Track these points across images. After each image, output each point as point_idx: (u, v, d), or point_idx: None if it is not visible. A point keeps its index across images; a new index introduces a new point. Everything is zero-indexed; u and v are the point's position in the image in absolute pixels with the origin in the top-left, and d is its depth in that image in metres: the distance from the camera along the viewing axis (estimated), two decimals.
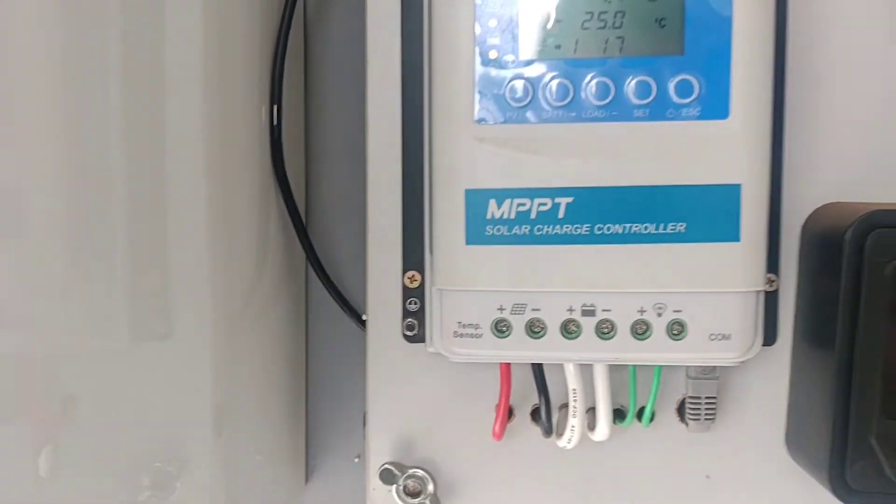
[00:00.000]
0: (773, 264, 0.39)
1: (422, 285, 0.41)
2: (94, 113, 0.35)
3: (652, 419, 0.41)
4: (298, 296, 0.51)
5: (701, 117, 0.34)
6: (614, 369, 0.40)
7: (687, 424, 0.40)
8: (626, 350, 0.36)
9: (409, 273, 0.41)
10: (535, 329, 0.36)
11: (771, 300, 0.40)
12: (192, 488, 0.44)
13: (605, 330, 0.36)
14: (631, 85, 0.34)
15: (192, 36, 0.40)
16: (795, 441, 0.41)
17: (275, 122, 0.42)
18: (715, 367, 0.39)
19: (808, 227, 0.40)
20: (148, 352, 0.41)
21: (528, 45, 0.35)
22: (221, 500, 0.46)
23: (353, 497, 0.52)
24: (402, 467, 0.43)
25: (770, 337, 0.40)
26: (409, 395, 0.43)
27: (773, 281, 0.39)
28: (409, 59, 0.40)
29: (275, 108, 0.41)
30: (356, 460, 0.52)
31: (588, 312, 0.36)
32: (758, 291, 0.36)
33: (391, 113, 0.41)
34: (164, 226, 0.40)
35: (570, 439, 0.39)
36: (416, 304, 0.41)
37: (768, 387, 0.41)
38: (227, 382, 0.46)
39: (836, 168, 0.40)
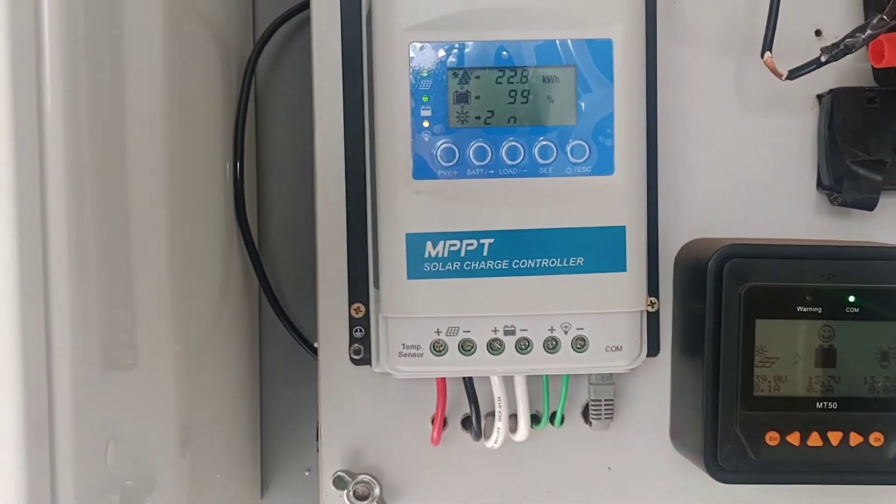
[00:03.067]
0: (653, 289, 0.48)
1: (366, 315, 0.48)
2: (70, 168, 0.38)
3: (562, 422, 0.49)
4: (253, 328, 0.57)
5: (592, 174, 0.43)
6: (531, 380, 0.47)
7: (591, 424, 0.49)
8: (541, 362, 0.44)
9: (355, 305, 0.48)
10: (466, 347, 0.44)
11: (653, 319, 0.48)
12: None
13: (524, 346, 0.44)
14: (537, 148, 0.43)
15: (155, 102, 0.45)
16: (678, 434, 0.49)
17: (237, 176, 0.48)
18: (612, 374, 0.47)
19: (679, 259, 0.49)
20: (117, 380, 0.45)
21: (454, 116, 0.43)
22: None
23: None
24: (352, 474, 0.49)
25: (654, 349, 0.48)
26: (356, 411, 0.49)
27: (654, 303, 0.48)
28: (350, 123, 0.47)
29: (237, 163, 0.48)
30: (306, 474, 0.58)
31: (509, 332, 0.43)
32: (642, 311, 0.45)
33: (336, 168, 0.48)
34: (131, 268, 0.44)
35: (496, 440, 0.47)
36: (360, 331, 0.48)
37: (655, 392, 0.50)
38: (190, 407, 0.50)
39: (701, 210, 0.49)
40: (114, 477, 0.44)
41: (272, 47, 0.57)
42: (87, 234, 0.39)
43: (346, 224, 0.48)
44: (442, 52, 0.42)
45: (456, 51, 0.42)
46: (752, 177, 0.50)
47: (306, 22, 0.48)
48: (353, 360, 0.48)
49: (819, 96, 0.49)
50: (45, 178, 0.34)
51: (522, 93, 0.43)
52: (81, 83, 0.37)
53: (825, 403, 0.44)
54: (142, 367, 0.46)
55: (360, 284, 0.47)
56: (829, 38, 0.48)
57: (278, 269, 0.58)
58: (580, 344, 0.44)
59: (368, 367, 0.48)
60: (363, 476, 0.49)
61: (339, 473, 0.48)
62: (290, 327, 0.55)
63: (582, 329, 0.43)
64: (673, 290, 0.49)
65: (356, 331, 0.48)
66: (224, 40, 0.52)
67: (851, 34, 0.40)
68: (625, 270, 0.43)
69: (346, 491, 0.48)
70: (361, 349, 0.48)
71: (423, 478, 0.50)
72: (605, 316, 0.43)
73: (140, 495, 0.47)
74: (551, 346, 0.44)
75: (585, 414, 0.49)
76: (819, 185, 0.49)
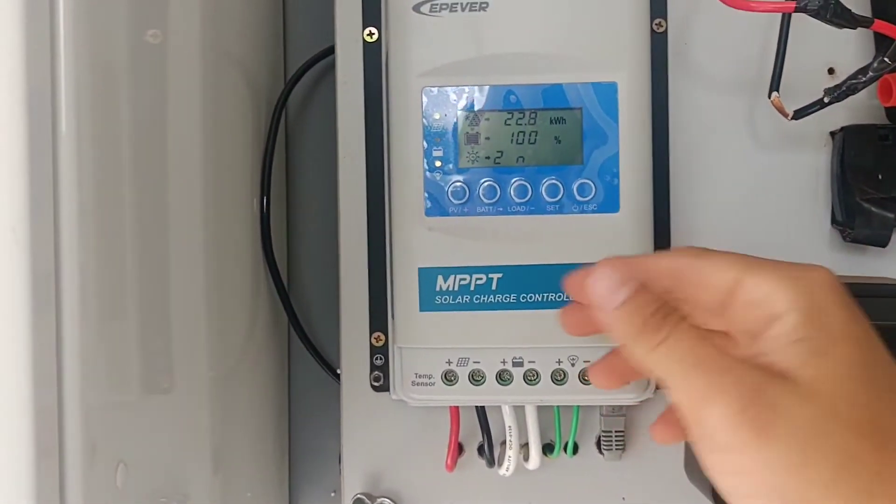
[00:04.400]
0: None
1: (385, 344, 0.50)
2: (112, 208, 0.41)
3: (577, 452, 0.50)
4: (282, 354, 0.60)
5: (597, 211, 0.45)
6: (544, 410, 0.49)
7: (603, 454, 0.50)
8: (548, 393, 0.45)
9: (375, 334, 0.50)
10: (476, 378, 0.45)
11: None
12: None
13: (532, 378, 0.45)
14: (544, 187, 0.45)
15: (193, 139, 0.48)
16: (690, 466, 0.50)
17: (264, 211, 0.51)
18: (622, 406, 0.48)
19: None
20: (155, 403, 0.48)
21: (465, 156, 0.45)
22: None
23: None
24: (371, 497, 0.51)
25: None
26: (377, 436, 0.51)
27: None
28: (371, 162, 0.49)
29: (264, 199, 0.51)
30: (332, 495, 0.60)
31: (518, 364, 0.45)
32: None
33: (359, 205, 0.50)
34: (168, 297, 0.48)
35: (507, 468, 0.48)
36: (381, 359, 0.50)
37: None
38: (222, 428, 0.53)
39: (714, 246, 0.50)
40: (150, 494, 0.47)
41: (304, 88, 0.60)
42: (128, 266, 0.43)
43: (367, 258, 0.50)
44: (453, 96, 0.45)
45: (466, 94, 0.45)
46: (767, 213, 0.50)
47: (335, 64, 0.51)
48: (373, 387, 0.51)
49: (832, 133, 0.50)
50: (69, 207, 0.37)
51: (530, 134, 0.45)
52: (121, 123, 0.40)
53: None
54: (177, 390, 0.50)
55: (380, 315, 0.50)
56: (842, 77, 0.48)
57: (308, 301, 0.60)
58: (587, 377, 0.45)
59: (388, 393, 0.50)
60: (382, 499, 0.51)
61: (358, 496, 0.50)
62: (317, 355, 0.58)
63: (589, 362, 0.45)
64: None
65: (376, 358, 0.50)
66: (255, 82, 0.56)
67: (854, 76, 0.41)
68: None
69: None
70: (381, 376, 0.50)
71: (440, 502, 0.52)
72: (610, 349, 0.45)
73: None
74: (559, 377, 0.45)
75: (599, 444, 0.50)
76: (833, 220, 0.50)
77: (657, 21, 0.49)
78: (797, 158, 0.50)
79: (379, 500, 0.51)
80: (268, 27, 0.59)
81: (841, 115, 0.49)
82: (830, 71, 0.50)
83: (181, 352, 0.49)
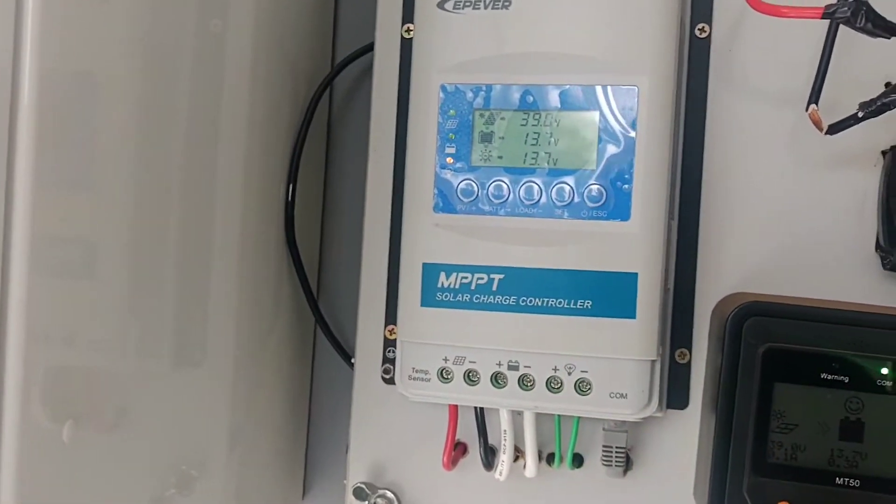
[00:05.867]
0: (686, 341, 0.47)
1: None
2: (157, 185, 0.43)
3: (582, 464, 0.49)
4: (306, 341, 0.61)
5: (607, 218, 0.43)
6: (548, 419, 0.48)
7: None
8: (543, 400, 0.44)
9: (389, 327, 0.51)
10: (471, 377, 0.45)
11: (683, 371, 0.47)
12: (208, 491, 0.53)
13: (527, 383, 0.44)
14: (554, 190, 0.44)
15: (239, 125, 0.50)
16: (697, 490, 0.47)
17: (289, 198, 0.52)
18: (625, 421, 0.46)
19: (714, 312, 0.47)
20: (183, 375, 0.51)
21: (477, 154, 0.45)
22: None
23: None
24: (373, 487, 0.51)
25: (682, 402, 0.47)
26: (384, 429, 0.52)
27: (684, 354, 0.47)
28: (399, 157, 0.50)
29: (290, 186, 0.52)
30: (344, 482, 0.61)
31: (513, 367, 0.44)
32: (653, 361, 0.44)
33: (384, 197, 0.51)
34: (203, 275, 0.50)
35: (500, 472, 0.47)
36: (392, 352, 0.51)
37: (681, 445, 0.48)
38: (244, 406, 0.55)
39: (746, 264, 0.48)
40: (172, 459, 0.49)
41: (349, 81, 0.62)
42: (168, 240, 0.45)
43: (388, 251, 0.51)
44: (470, 94, 0.45)
45: (483, 93, 0.44)
46: (807, 233, 0.47)
47: None
48: (383, 379, 0.51)
49: (883, 152, 0.46)
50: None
51: (544, 135, 0.44)
52: (178, 107, 0.43)
53: (847, 480, 0.41)
54: (206, 365, 0.52)
55: (395, 308, 0.50)
56: None
57: (337, 291, 0.62)
58: (584, 387, 0.44)
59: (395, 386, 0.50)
60: (384, 491, 0.51)
61: (359, 485, 0.51)
62: (336, 344, 0.59)
63: (586, 372, 0.43)
64: (707, 345, 0.47)
65: (389, 351, 0.51)
66: (302, 75, 0.57)
67: (886, 93, 0.38)
68: (634, 318, 0.43)
69: (365, 503, 0.51)
70: (391, 369, 0.51)
71: (441, 500, 0.51)
72: (610, 361, 0.43)
73: (192, 479, 0.52)
74: (554, 385, 0.44)
75: None
76: (877, 246, 0.46)
77: (700, 26, 0.47)
78: (844, 177, 0.47)
79: (381, 492, 0.51)
80: (317, 21, 0.60)
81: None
82: (887, 85, 0.46)
83: (213, 330, 0.51)
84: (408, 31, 0.50)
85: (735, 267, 0.48)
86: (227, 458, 0.54)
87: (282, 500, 0.60)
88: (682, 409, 0.48)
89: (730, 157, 0.48)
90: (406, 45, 0.50)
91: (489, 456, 0.48)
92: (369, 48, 0.58)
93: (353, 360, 0.53)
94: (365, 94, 0.61)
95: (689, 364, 0.47)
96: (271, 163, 0.54)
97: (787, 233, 0.47)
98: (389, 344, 0.51)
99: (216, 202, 0.49)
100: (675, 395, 0.47)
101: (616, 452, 0.46)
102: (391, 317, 0.51)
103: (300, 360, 0.61)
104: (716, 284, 0.48)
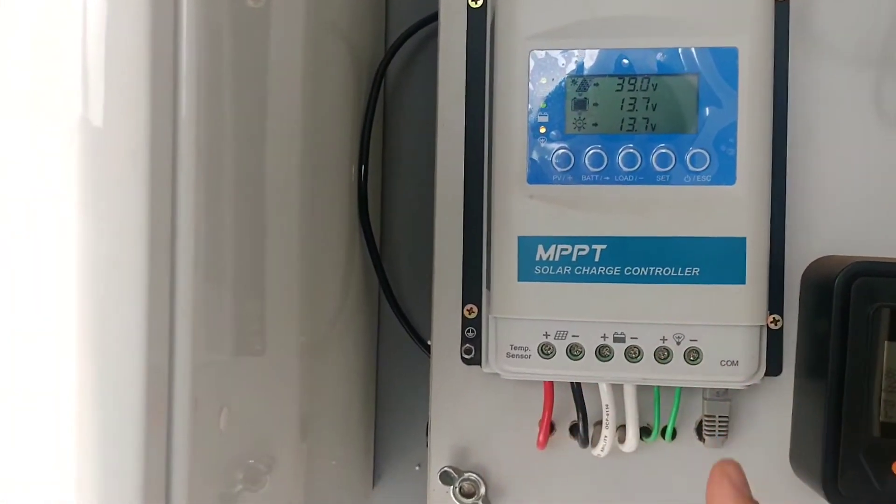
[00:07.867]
0: (777, 306, 0.46)
1: (478, 316, 0.49)
2: (217, 172, 0.42)
3: (675, 436, 0.48)
4: (372, 324, 0.59)
5: (712, 183, 0.42)
6: (643, 391, 0.47)
7: (704, 441, 0.47)
8: (651, 372, 0.43)
9: (468, 306, 0.49)
10: (574, 352, 0.44)
11: (776, 337, 0.46)
12: (278, 484, 0.51)
13: (633, 355, 0.43)
14: (655, 156, 0.43)
15: (294, 106, 0.48)
16: (797, 457, 0.47)
17: (362, 179, 0.50)
18: (727, 389, 0.46)
19: (806, 276, 0.47)
20: (247, 365, 0.49)
21: (571, 122, 0.43)
22: (301, 497, 0.53)
23: (414, 501, 0.59)
24: (458, 471, 0.50)
25: (776, 368, 0.47)
26: (466, 410, 0.51)
27: (777, 321, 0.46)
28: (471, 128, 0.48)
29: (362, 167, 0.50)
30: (417, 468, 0.60)
31: (619, 339, 0.43)
32: (760, 326, 0.43)
33: (456, 172, 0.49)
34: (264, 263, 0.48)
35: (603, 448, 0.46)
36: (472, 332, 0.49)
37: (775, 412, 0.48)
38: (311, 395, 0.53)
39: (832, 227, 0.47)
40: (239, 454, 0.48)
41: (403, 55, 0.60)
42: (224, 231, 0.43)
43: (462, 227, 0.49)
44: (562, 60, 0.43)
45: (576, 59, 0.43)
46: (890, 194, 0.47)
47: (436, 32, 0.50)
48: (463, 360, 0.49)
49: None
50: (181, 175, 0.38)
51: (642, 100, 0.43)
52: (225, 88, 0.40)
53: None
54: (269, 354, 0.50)
55: (473, 286, 0.49)
56: None
57: (400, 270, 0.60)
58: (693, 356, 0.43)
59: (479, 367, 0.49)
60: (469, 474, 0.50)
61: (445, 469, 0.50)
62: (407, 326, 0.57)
63: (696, 341, 0.43)
64: (799, 309, 0.47)
65: (468, 331, 0.49)
66: (356, 50, 0.55)
67: None
68: (744, 283, 0.42)
69: (452, 487, 0.49)
70: (472, 349, 0.49)
71: (529, 481, 0.50)
72: (721, 329, 0.42)
73: (260, 473, 0.50)
74: (663, 356, 0.43)
75: (699, 430, 0.48)
76: None
77: None
78: None
79: (466, 475, 0.50)
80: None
81: None
82: None
83: (276, 318, 0.49)
84: (475, 0, 0.48)
85: (823, 230, 0.47)
86: (296, 450, 0.52)
87: (353, 490, 0.59)
88: (775, 375, 0.47)
89: (812, 119, 0.47)
90: (475, 15, 0.48)
91: (587, 433, 0.47)
92: (425, 22, 0.56)
93: (429, 343, 0.51)
94: (418, 68, 0.60)
95: (781, 330, 0.47)
96: (335, 144, 0.51)
97: (873, 194, 0.47)
98: (469, 323, 0.49)
99: (273, 187, 0.47)
100: (769, 361, 0.46)
101: (720, 421, 0.46)
102: (469, 296, 0.49)
103: (367, 343, 0.59)
104: (805, 248, 0.47)
